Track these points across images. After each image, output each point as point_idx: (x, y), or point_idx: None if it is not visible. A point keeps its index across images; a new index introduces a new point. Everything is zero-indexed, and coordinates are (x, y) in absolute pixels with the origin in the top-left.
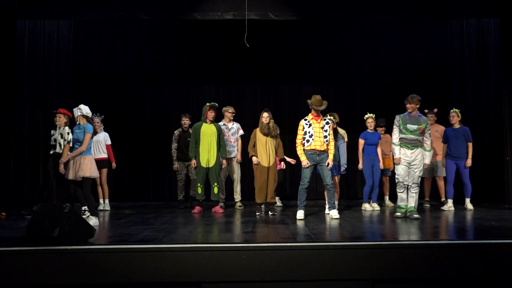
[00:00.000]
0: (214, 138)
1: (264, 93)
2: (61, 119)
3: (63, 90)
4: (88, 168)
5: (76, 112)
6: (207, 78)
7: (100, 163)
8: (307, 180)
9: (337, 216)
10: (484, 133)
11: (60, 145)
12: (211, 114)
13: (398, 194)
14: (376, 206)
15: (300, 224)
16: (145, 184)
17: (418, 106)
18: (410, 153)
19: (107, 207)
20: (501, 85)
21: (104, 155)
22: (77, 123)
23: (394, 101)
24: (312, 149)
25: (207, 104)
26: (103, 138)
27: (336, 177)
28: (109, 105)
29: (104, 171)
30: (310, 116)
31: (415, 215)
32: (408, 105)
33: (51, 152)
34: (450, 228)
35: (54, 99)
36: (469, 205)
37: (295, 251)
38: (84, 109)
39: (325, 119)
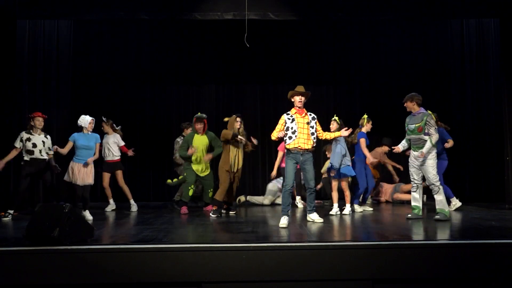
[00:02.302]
0: (205, 150)
1: (264, 93)
2: (42, 123)
3: (63, 90)
4: (93, 175)
5: (87, 122)
6: (207, 78)
7: (114, 165)
8: (291, 181)
9: (320, 220)
10: (484, 133)
11: (40, 151)
12: (197, 126)
13: (411, 193)
14: (368, 208)
15: (299, 224)
16: (145, 184)
17: (414, 104)
18: (416, 154)
19: (134, 208)
20: (501, 85)
21: (117, 157)
22: (88, 131)
23: (394, 101)
24: (296, 147)
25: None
26: (114, 140)
27: (343, 182)
28: (109, 105)
29: (119, 172)
30: (293, 111)
31: (435, 217)
32: (404, 105)
33: (29, 157)
34: (450, 228)
35: (54, 99)
36: (456, 203)
37: (295, 251)
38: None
39: (310, 114)
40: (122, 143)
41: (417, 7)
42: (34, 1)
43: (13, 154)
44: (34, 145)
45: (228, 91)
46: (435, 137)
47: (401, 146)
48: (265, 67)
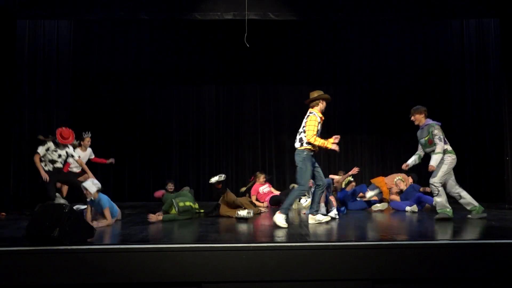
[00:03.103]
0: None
1: (264, 93)
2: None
3: (63, 90)
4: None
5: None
6: (207, 78)
7: (78, 175)
8: (308, 182)
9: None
10: (484, 133)
11: (62, 162)
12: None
13: (434, 197)
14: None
15: (299, 224)
16: (145, 184)
17: (423, 116)
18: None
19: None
20: (501, 85)
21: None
22: (91, 199)
23: (394, 101)
24: (314, 150)
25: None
26: (89, 155)
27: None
28: (109, 105)
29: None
30: (319, 114)
31: (436, 216)
32: (411, 119)
33: (52, 167)
34: (450, 228)
35: (54, 99)
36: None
37: (295, 251)
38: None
39: None
40: (93, 156)
41: (417, 7)
42: (34, 1)
43: (38, 161)
44: (59, 156)
45: (228, 91)
46: (438, 147)
47: (411, 161)
48: (265, 67)
